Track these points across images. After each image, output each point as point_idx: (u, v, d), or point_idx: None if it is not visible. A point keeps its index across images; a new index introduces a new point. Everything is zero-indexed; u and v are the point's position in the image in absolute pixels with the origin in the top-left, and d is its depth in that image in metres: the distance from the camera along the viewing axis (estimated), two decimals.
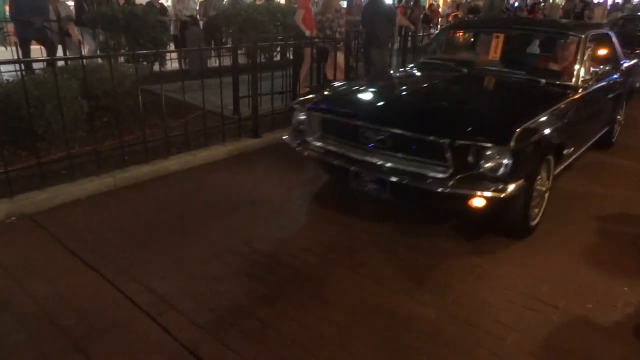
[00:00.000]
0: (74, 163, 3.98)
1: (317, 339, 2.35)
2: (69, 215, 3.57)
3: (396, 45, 8.58)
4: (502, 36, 4.39)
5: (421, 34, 11.32)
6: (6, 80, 4.30)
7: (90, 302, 2.58)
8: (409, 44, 8.62)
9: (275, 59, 8.87)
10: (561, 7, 15.09)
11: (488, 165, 2.91)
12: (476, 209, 2.95)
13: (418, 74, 4.63)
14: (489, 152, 2.89)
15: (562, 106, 3.55)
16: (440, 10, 18.61)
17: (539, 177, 3.26)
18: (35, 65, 5.70)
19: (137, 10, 8.10)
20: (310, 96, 3.91)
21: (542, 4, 17.73)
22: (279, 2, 12.68)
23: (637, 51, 7.34)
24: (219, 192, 4.10)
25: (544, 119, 3.24)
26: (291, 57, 7.36)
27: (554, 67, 4.29)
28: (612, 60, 4.95)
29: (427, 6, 17.89)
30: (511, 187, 2.86)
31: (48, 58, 5.54)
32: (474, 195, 2.89)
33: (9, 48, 8.14)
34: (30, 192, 3.65)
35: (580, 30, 4.27)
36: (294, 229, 3.52)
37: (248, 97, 5.44)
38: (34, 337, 2.33)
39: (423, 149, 3.11)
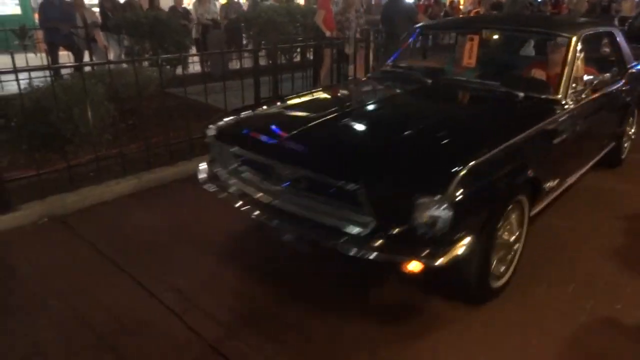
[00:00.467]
0: (101, 165, 4.09)
1: None
2: (97, 216, 3.68)
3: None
4: (476, 39, 3.65)
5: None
6: (37, 86, 4.44)
7: (119, 301, 2.67)
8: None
9: (295, 60, 8.92)
10: (587, 0, 14.71)
11: (422, 219, 2.13)
12: (414, 273, 2.18)
13: (367, 87, 3.95)
14: (420, 202, 2.11)
15: (543, 127, 2.88)
16: (461, 7, 18.36)
17: (501, 225, 2.50)
18: (63, 71, 5.87)
19: (161, 15, 8.27)
20: (224, 121, 3.08)
21: None
22: (299, 3, 12.73)
23: None
24: None
25: (511, 148, 2.52)
26: (311, 57, 7.40)
27: (537, 76, 3.62)
28: (617, 64, 4.25)
29: (447, 3, 17.67)
30: (453, 249, 2.13)
31: (76, 64, 5.70)
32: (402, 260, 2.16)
33: (38, 54, 8.40)
34: (60, 194, 3.77)
35: (571, 29, 3.48)
36: None
37: (269, 99, 5.49)
38: (66, 335, 2.42)
39: (341, 194, 2.32)
